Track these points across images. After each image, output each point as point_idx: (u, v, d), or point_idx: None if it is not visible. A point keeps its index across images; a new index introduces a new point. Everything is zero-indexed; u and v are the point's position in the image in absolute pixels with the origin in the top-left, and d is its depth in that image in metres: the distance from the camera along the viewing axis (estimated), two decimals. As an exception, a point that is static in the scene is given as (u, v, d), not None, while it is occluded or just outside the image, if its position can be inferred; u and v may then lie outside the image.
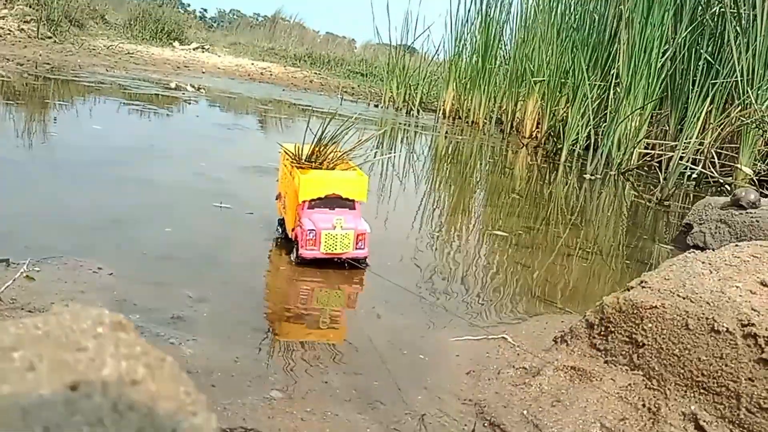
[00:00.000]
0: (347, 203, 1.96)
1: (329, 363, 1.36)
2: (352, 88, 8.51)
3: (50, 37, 7.61)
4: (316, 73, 9.28)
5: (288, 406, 1.16)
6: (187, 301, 1.54)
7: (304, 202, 1.91)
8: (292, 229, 2.00)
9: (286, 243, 2.07)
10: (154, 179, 2.71)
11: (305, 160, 2.00)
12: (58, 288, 1.48)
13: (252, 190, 2.81)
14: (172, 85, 6.43)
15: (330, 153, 2.03)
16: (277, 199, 2.23)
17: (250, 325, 1.48)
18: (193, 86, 6.61)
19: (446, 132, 6.12)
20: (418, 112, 7.03)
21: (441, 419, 1.21)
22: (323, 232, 1.87)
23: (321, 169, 2.00)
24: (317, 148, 2.01)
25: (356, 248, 1.93)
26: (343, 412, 1.17)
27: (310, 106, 6.40)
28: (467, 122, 6.67)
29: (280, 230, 2.17)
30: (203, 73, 7.94)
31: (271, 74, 8.66)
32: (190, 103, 5.43)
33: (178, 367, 0.51)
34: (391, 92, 7.32)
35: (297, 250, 1.91)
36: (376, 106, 7.32)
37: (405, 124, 6.26)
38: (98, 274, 1.61)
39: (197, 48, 9.78)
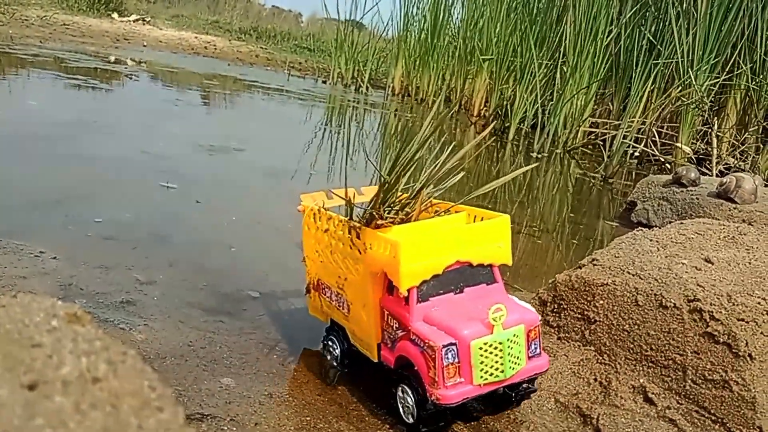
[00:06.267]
0: (481, 273, 1.13)
1: (285, 345, 1.34)
2: (300, 63, 8.37)
3: (-23, 6, 7.18)
4: (261, 48, 9.07)
5: (245, 390, 1.14)
6: (135, 284, 1.49)
7: (410, 290, 1.05)
8: (385, 344, 1.13)
9: (367, 375, 1.24)
10: (96, 157, 2.60)
11: (372, 212, 1.15)
12: (-4, 273, 1.41)
13: (200, 169, 2.73)
14: (112, 58, 6.18)
15: (414, 191, 1.19)
16: (307, 292, 1.34)
17: (203, 307, 1.44)
18: (134, 60, 6.37)
19: (396, 110, 6.10)
20: (367, 89, 6.97)
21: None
22: (474, 343, 1.02)
23: (410, 221, 1.17)
24: (391, 184, 1.15)
25: (530, 357, 1.10)
26: (302, 394, 1.16)
27: (256, 81, 6.27)
28: (416, 100, 6.66)
29: (335, 349, 1.27)
30: (144, 46, 7.66)
31: (215, 48, 8.42)
32: (131, 78, 5.23)
33: (141, 360, 0.49)
34: (340, 68, 7.23)
35: (419, 392, 1.05)
36: (324, 82, 7.22)
37: (354, 101, 6.21)
38: (40, 257, 1.54)
39: (137, 20, 9.41)
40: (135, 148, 2.85)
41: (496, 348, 1.03)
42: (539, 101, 5.08)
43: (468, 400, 1.04)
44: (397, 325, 1.09)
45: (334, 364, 1.28)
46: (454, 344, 1.01)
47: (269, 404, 1.11)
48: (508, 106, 5.42)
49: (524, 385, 1.15)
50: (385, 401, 1.16)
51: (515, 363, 1.06)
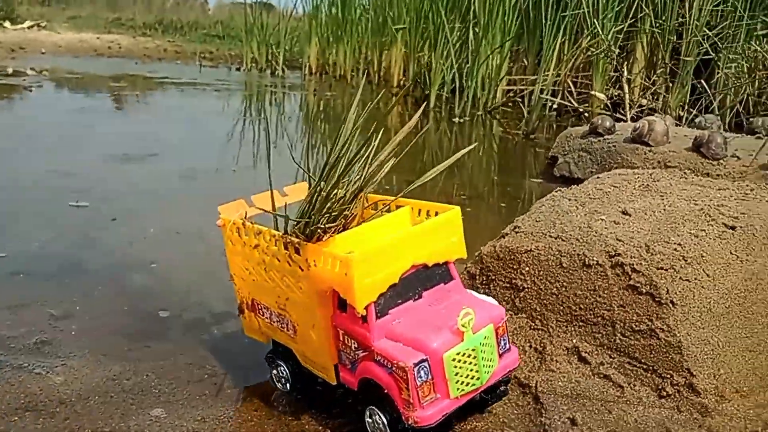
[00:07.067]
0: (437, 273, 1.06)
1: (216, 363, 1.29)
2: (211, 52, 8.13)
3: None
4: (169, 41, 8.75)
5: (177, 418, 1.09)
6: (50, 321, 1.41)
7: (368, 307, 0.95)
8: (344, 366, 1.02)
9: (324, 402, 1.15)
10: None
11: (305, 221, 1.00)
12: None
13: (113, 182, 2.61)
14: (9, 70, 5.84)
15: (353, 188, 1.05)
16: (241, 312, 1.20)
17: (126, 334, 1.38)
18: (34, 69, 6.04)
19: (315, 89, 6.01)
20: (283, 71, 6.84)
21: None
22: (447, 355, 0.94)
23: (350, 226, 1.05)
24: (327, 192, 1.00)
25: (500, 354, 1.04)
26: (237, 413, 1.12)
27: (167, 77, 6.05)
28: (335, 77, 6.58)
29: (282, 375, 1.16)
30: (43, 53, 7.28)
31: (120, 47, 8.08)
32: (32, 90, 4.95)
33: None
34: (253, 53, 7.05)
35: (391, 413, 0.95)
36: (238, 69, 7.04)
37: (271, 86, 6.08)
38: (-59, 306, 1.44)
39: (32, 26, 8.91)
40: (40, 167, 2.70)
41: (469, 356, 0.95)
42: (455, 65, 5.09)
43: (447, 415, 0.94)
44: (356, 345, 0.97)
45: (284, 390, 1.16)
46: (426, 360, 0.91)
47: (204, 429, 1.07)
48: (426, 74, 5.41)
49: (501, 388, 1.09)
50: (323, 406, 1.14)
51: (489, 366, 0.99)
